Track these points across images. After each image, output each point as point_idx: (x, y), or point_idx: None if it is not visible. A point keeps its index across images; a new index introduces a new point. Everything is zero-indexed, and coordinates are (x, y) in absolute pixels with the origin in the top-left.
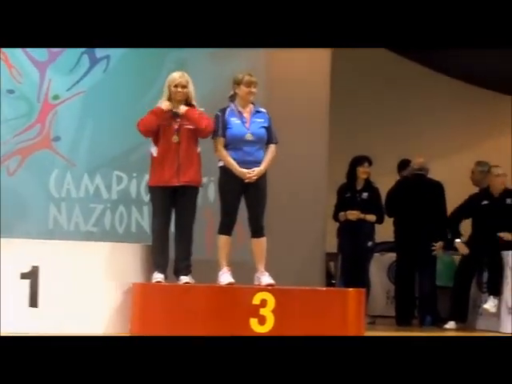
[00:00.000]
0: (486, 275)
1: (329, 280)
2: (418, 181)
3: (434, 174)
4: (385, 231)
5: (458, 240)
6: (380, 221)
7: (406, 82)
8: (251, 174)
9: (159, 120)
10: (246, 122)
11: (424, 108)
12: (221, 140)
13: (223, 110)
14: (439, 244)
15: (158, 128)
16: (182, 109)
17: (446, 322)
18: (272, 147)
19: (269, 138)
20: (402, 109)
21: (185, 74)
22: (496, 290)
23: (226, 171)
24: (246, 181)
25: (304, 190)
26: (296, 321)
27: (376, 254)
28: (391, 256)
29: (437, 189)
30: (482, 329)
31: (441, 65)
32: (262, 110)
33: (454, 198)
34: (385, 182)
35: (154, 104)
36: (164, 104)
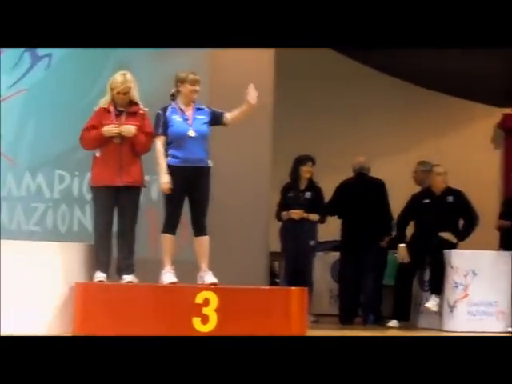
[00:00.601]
0: (427, 274)
1: (273, 279)
2: (359, 180)
3: (378, 174)
4: (329, 230)
5: (401, 245)
6: (323, 220)
7: (350, 82)
8: (166, 185)
9: (101, 135)
10: (188, 120)
11: (368, 108)
12: (161, 138)
13: (164, 109)
14: (386, 239)
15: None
16: (130, 131)
17: (388, 320)
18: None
19: (219, 114)
20: (347, 108)
21: (127, 77)
22: (438, 289)
23: (169, 170)
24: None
25: (247, 189)
26: (239, 320)
27: (320, 253)
28: (335, 255)
29: (379, 187)
30: (424, 327)
31: (384, 64)
32: (203, 106)
33: (399, 198)
34: (328, 181)
35: (96, 103)
36: (106, 130)
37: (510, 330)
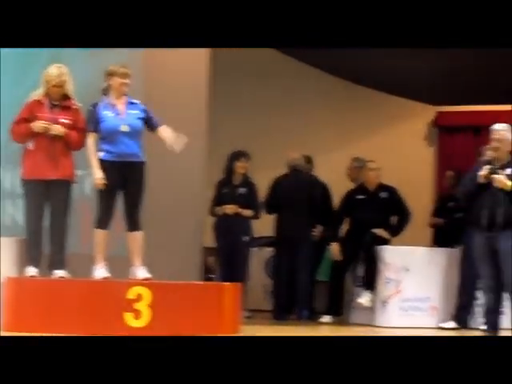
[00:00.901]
0: (360, 270)
1: (208, 274)
2: (293, 176)
3: (315, 170)
4: (263, 226)
5: (334, 243)
6: (257, 216)
7: (287, 79)
8: (99, 180)
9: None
10: (120, 114)
11: (304, 105)
12: (93, 135)
13: (95, 105)
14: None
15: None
16: (59, 130)
17: (322, 316)
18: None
19: (154, 125)
20: (283, 105)
21: (62, 70)
22: (370, 285)
23: (103, 165)
24: None
25: (182, 184)
26: (172, 315)
27: (254, 249)
28: (269, 251)
29: (313, 183)
30: (357, 322)
31: (322, 62)
32: (136, 101)
33: (336, 194)
34: (264, 177)
35: (27, 96)
36: (36, 126)
37: (441, 325)
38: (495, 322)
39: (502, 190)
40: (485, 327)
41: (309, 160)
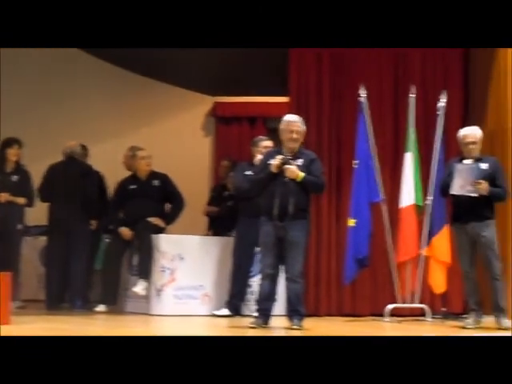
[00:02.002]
0: (136, 258)
1: None
2: (68, 164)
3: (94, 159)
4: (38, 215)
5: (123, 227)
6: (30, 204)
7: (66, 67)
8: None
9: None
10: None
11: (83, 93)
12: None
13: None
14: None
15: None
16: None
17: (96, 305)
18: None
19: None
20: (61, 93)
21: None
22: (145, 273)
23: None
24: None
25: None
26: None
27: (29, 238)
28: (44, 240)
29: (87, 172)
30: (132, 311)
31: (100, 50)
32: None
33: (115, 183)
34: (40, 166)
35: None
36: None
37: (214, 312)
38: (269, 310)
39: (293, 180)
40: (257, 314)
41: (84, 148)
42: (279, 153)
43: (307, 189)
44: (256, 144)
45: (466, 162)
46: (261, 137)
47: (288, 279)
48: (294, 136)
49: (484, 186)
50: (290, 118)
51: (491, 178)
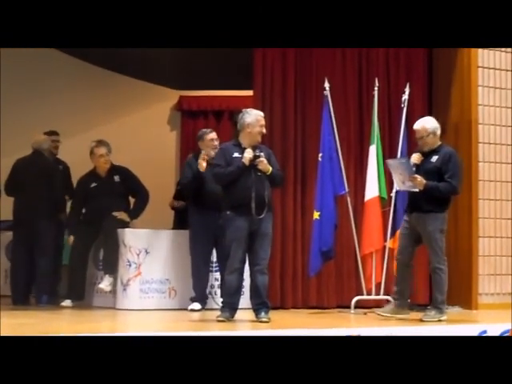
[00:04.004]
0: (102, 253)
1: None
2: (34, 158)
3: (62, 153)
4: (4, 209)
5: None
6: None
7: (34, 63)
8: None
9: None
10: None
11: (50, 88)
12: None
13: None
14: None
15: None
16: None
17: (62, 300)
18: None
19: None
20: (30, 87)
21: None
22: (111, 269)
23: None
24: None
25: None
26: None
27: None
28: (10, 235)
29: (53, 166)
30: (99, 305)
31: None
32: None
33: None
34: (9, 162)
35: None
36: None
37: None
38: (236, 303)
39: (263, 173)
40: (224, 307)
41: (55, 134)
42: (238, 146)
43: (273, 182)
44: (202, 137)
45: (398, 157)
46: (204, 130)
47: (258, 271)
48: (264, 130)
49: (418, 182)
50: (258, 112)
51: (438, 171)
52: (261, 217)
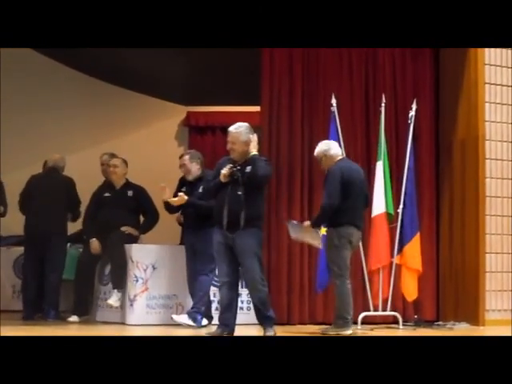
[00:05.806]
0: (108, 268)
1: None
2: (48, 176)
3: (70, 168)
4: (13, 225)
5: (93, 239)
6: (4, 214)
7: (41, 78)
8: None
9: None
10: None
11: (58, 103)
12: None
13: None
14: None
15: None
16: None
17: (69, 315)
18: None
19: None
20: (37, 104)
21: None
22: (119, 284)
23: None
24: None
25: None
26: None
27: (3, 248)
28: (18, 250)
29: (67, 184)
30: (105, 320)
31: (76, 61)
32: None
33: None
34: (17, 176)
35: None
36: None
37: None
38: (228, 319)
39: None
40: (218, 323)
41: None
42: (231, 161)
43: (253, 186)
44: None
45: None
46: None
47: (248, 289)
48: (229, 146)
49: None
50: (230, 128)
51: None
52: (233, 234)
